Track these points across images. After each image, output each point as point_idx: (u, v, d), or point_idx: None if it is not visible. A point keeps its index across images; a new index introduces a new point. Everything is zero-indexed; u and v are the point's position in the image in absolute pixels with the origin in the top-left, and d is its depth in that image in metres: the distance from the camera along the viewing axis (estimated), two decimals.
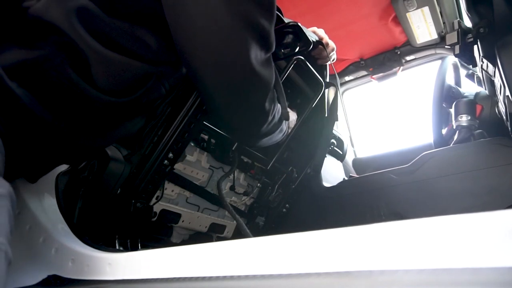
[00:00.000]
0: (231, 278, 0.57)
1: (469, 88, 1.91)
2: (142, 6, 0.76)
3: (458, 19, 1.88)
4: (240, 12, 0.71)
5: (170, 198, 1.26)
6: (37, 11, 0.71)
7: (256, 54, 0.77)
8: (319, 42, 1.25)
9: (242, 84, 0.80)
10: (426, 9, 1.91)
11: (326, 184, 1.87)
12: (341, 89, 2.69)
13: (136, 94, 0.81)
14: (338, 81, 1.38)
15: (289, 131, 1.26)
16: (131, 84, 0.80)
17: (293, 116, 1.33)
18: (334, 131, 1.61)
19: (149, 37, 0.78)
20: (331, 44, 1.32)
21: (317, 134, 1.64)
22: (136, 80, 0.80)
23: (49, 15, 0.70)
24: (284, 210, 1.68)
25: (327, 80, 1.47)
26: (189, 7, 0.71)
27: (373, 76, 2.45)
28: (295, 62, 1.30)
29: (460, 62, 2.00)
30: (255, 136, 0.98)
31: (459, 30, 1.34)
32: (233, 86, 0.80)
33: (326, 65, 1.44)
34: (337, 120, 1.61)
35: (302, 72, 1.41)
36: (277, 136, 1.08)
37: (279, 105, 1.00)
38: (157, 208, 1.21)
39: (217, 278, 0.59)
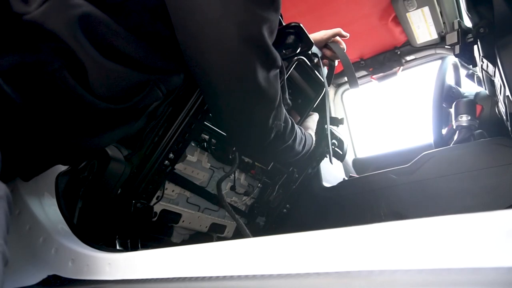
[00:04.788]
0: (231, 278, 0.57)
1: (469, 88, 1.91)
2: (150, 27, 0.78)
3: (458, 19, 1.88)
4: (250, 37, 0.74)
5: (170, 198, 1.26)
6: (37, 19, 0.69)
7: (263, 73, 0.80)
8: (315, 55, 1.27)
9: (249, 102, 0.84)
10: (426, 9, 1.91)
11: (326, 184, 1.87)
12: (341, 89, 2.69)
13: (132, 101, 0.82)
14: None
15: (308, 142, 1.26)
16: (128, 91, 0.81)
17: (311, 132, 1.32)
18: (334, 131, 1.61)
19: (151, 48, 0.79)
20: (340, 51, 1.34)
21: (319, 133, 1.63)
22: (133, 88, 0.81)
23: (50, 24, 0.69)
24: (285, 210, 1.68)
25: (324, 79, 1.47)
26: (200, 33, 0.74)
27: (373, 76, 2.45)
28: (296, 62, 1.31)
29: (460, 62, 2.00)
30: (257, 150, 1.02)
31: (459, 30, 1.34)
32: (240, 103, 0.84)
33: (332, 65, 1.45)
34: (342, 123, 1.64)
35: (303, 72, 1.41)
36: (294, 151, 1.10)
37: (288, 120, 1.01)
38: (157, 208, 1.21)
39: (217, 278, 0.59)
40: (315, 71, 1.40)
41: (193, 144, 1.25)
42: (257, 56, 0.77)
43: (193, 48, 0.77)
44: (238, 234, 1.56)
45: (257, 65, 0.78)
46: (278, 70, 0.86)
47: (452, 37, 1.36)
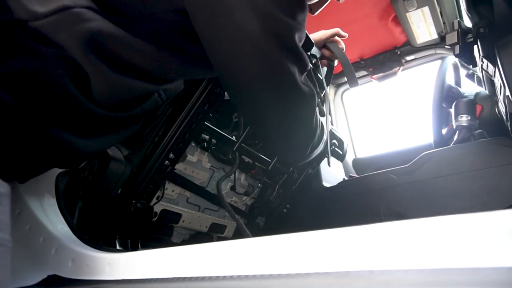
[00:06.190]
0: (231, 278, 0.57)
1: (469, 88, 1.91)
2: (169, 39, 0.77)
3: (458, 19, 1.88)
4: (288, 48, 0.75)
5: (170, 198, 1.26)
6: (44, 28, 0.67)
7: (300, 75, 0.82)
8: (314, 55, 1.28)
9: (295, 104, 0.85)
10: (426, 9, 1.91)
11: (326, 184, 1.86)
12: (341, 89, 2.69)
13: (133, 110, 0.82)
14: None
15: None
16: (131, 102, 0.81)
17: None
18: (334, 131, 1.61)
19: (167, 58, 0.78)
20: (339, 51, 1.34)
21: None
22: (137, 98, 0.81)
23: (58, 36, 0.67)
24: (285, 210, 1.68)
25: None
26: (239, 52, 0.73)
27: (373, 76, 2.44)
28: None
29: (460, 62, 2.00)
30: (305, 153, 1.01)
31: (459, 30, 1.34)
32: (287, 106, 0.85)
33: (331, 65, 1.45)
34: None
35: None
36: (321, 147, 1.11)
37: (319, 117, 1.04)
38: (157, 208, 1.21)
39: (217, 278, 0.59)
40: (316, 72, 1.40)
41: (193, 144, 1.25)
42: (295, 64, 0.79)
43: (232, 69, 0.77)
44: (238, 234, 1.56)
45: (296, 72, 0.80)
46: (307, 70, 0.88)
47: (452, 37, 1.36)
